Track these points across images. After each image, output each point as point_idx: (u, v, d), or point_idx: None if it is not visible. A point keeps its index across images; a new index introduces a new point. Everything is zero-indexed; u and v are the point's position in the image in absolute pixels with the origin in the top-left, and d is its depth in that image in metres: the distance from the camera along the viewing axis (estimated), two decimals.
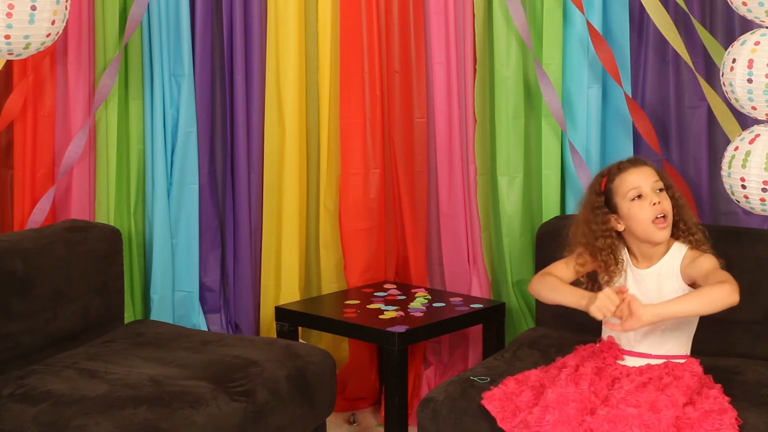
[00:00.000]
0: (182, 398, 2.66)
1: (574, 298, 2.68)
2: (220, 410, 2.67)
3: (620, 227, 2.73)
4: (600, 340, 2.81)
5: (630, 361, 2.71)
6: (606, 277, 2.77)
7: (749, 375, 2.79)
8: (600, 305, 2.56)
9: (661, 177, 2.75)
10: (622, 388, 2.55)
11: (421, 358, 3.81)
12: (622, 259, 2.77)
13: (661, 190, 2.71)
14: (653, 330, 2.69)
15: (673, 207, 2.72)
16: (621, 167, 2.74)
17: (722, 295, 2.52)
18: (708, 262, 2.65)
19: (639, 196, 2.68)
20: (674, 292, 2.68)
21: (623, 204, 2.70)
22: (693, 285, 2.69)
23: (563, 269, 2.84)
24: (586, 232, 2.77)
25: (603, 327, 2.81)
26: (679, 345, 2.72)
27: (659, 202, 2.67)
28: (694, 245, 2.72)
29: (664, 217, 2.68)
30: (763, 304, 2.96)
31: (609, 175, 2.75)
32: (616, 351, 2.73)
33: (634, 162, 2.76)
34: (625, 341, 2.74)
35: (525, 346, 3.09)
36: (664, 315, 2.54)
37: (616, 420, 2.43)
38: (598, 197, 2.75)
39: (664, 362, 2.68)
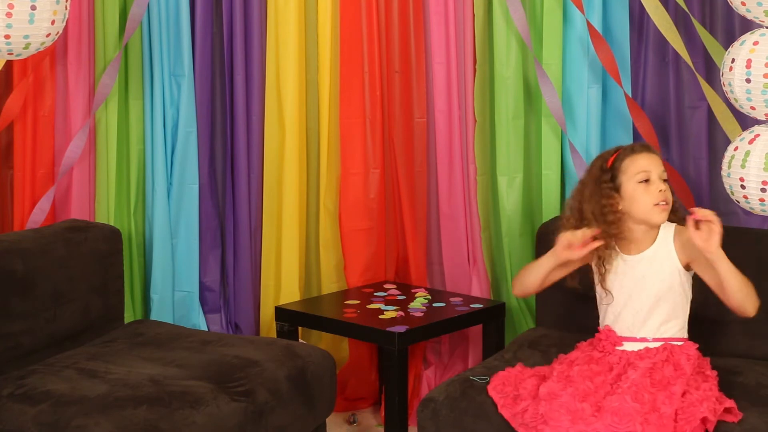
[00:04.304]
0: (182, 398, 2.66)
1: (546, 258, 2.81)
2: (220, 410, 2.67)
3: (619, 206, 2.76)
4: (598, 330, 2.82)
5: (628, 346, 2.73)
6: (604, 267, 2.79)
7: (749, 375, 2.79)
8: (561, 239, 2.75)
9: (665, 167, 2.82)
10: (628, 377, 2.57)
11: (421, 358, 3.81)
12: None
13: (665, 180, 2.76)
14: (651, 315, 2.73)
15: None
16: (634, 149, 2.79)
17: (753, 296, 2.65)
18: None
19: (646, 180, 2.73)
20: (672, 274, 2.73)
21: (629, 184, 2.75)
22: (687, 267, 2.74)
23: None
24: (595, 208, 2.78)
25: (600, 317, 2.83)
26: (677, 329, 2.75)
27: (664, 190, 2.73)
28: (678, 223, 2.78)
29: (666, 203, 2.74)
30: (763, 304, 2.95)
31: (619, 153, 2.78)
32: (614, 338, 2.76)
33: (647, 147, 2.81)
34: (625, 328, 2.76)
35: (525, 346, 3.08)
36: (722, 258, 2.58)
37: (619, 413, 2.44)
38: (604, 174, 2.79)
39: (662, 344, 2.70)
